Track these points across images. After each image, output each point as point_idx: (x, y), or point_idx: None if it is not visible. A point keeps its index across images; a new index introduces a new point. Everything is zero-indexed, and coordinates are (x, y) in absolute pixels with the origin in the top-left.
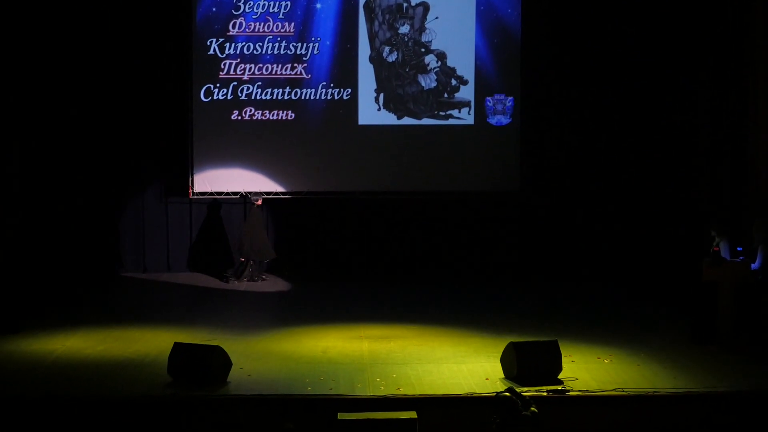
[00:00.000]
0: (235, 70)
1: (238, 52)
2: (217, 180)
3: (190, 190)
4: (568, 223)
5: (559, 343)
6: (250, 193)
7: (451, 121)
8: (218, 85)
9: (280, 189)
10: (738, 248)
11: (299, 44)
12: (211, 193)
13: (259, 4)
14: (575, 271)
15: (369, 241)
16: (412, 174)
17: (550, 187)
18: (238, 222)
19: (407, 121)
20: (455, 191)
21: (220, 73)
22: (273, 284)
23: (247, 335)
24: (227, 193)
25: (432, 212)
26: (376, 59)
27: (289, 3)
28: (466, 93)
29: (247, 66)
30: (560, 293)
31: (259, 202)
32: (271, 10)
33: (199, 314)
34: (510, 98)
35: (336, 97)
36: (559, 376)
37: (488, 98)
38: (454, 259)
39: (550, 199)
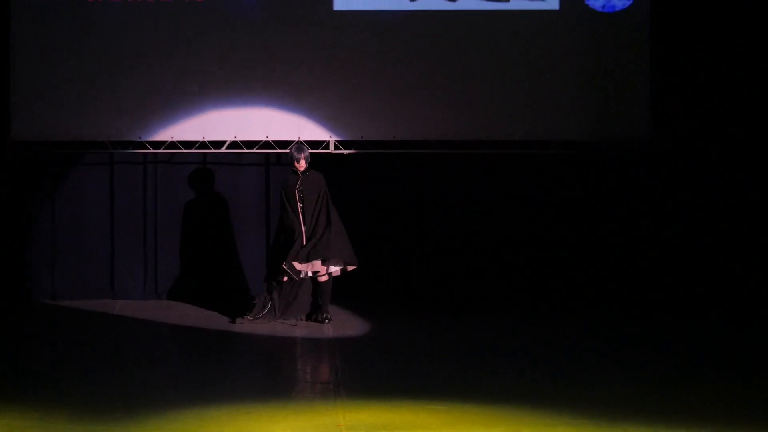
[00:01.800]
0: None
1: None
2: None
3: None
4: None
5: None
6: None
7: (515, 5)
8: None
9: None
10: None
11: None
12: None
13: None
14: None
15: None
16: (430, 113)
17: (703, 132)
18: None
19: (427, 2)
20: (513, 141)
21: None
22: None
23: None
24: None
25: (469, 176)
26: None
27: None
28: None
29: None
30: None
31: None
32: None
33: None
34: None
35: None
36: None
37: None
38: (523, 269)
39: (705, 155)
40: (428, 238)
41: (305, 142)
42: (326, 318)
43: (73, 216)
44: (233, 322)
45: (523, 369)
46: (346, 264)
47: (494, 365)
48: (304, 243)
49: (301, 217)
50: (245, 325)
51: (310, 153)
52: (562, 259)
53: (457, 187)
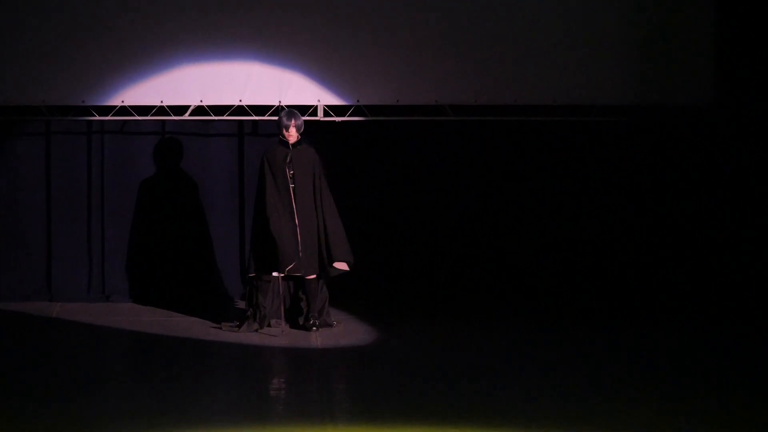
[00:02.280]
0: None
1: None
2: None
3: None
4: None
5: None
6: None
7: None
8: None
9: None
10: None
11: None
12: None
13: None
14: None
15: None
16: (443, 73)
17: None
18: None
19: None
20: (546, 106)
21: None
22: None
23: None
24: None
25: (490, 149)
26: None
27: None
28: None
29: None
30: None
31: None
32: None
33: None
34: None
35: None
36: None
37: None
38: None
39: None
40: (436, 227)
41: (288, 106)
42: (314, 324)
43: (1, 199)
44: (218, 327)
45: (533, 386)
46: (347, 264)
47: (504, 382)
48: (300, 241)
49: (293, 201)
50: (219, 333)
51: (304, 121)
52: (605, 252)
53: (474, 163)
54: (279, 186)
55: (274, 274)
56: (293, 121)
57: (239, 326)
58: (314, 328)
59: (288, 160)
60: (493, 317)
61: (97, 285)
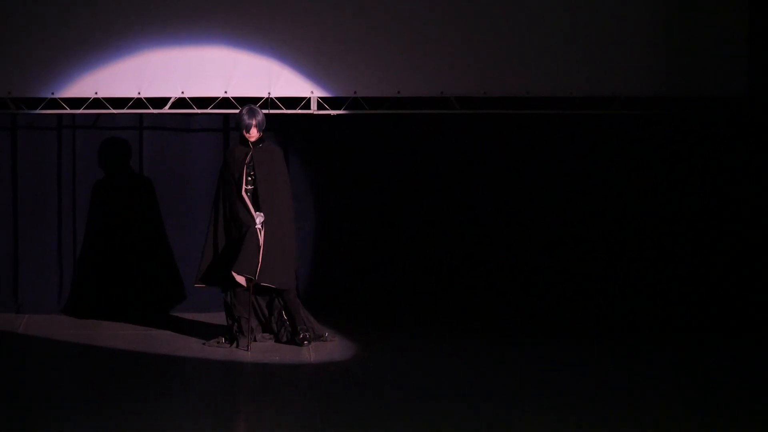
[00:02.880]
0: None
1: None
2: None
3: None
4: None
5: None
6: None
7: None
8: None
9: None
10: None
11: None
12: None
13: None
14: None
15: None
16: (448, 61)
17: None
18: None
19: None
20: (562, 98)
21: None
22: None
23: None
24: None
25: (501, 146)
26: None
27: None
28: None
29: None
30: None
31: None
32: None
33: None
34: None
35: None
36: None
37: None
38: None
39: None
40: (442, 227)
41: (278, 99)
42: (305, 338)
43: None
44: (204, 344)
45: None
46: (279, 286)
47: (509, 404)
48: (262, 247)
49: (249, 205)
50: (204, 350)
51: (265, 116)
52: (625, 254)
53: (482, 160)
54: (237, 189)
55: (239, 280)
56: (254, 120)
57: (228, 343)
58: (306, 342)
59: (248, 161)
60: (503, 325)
61: (68, 295)
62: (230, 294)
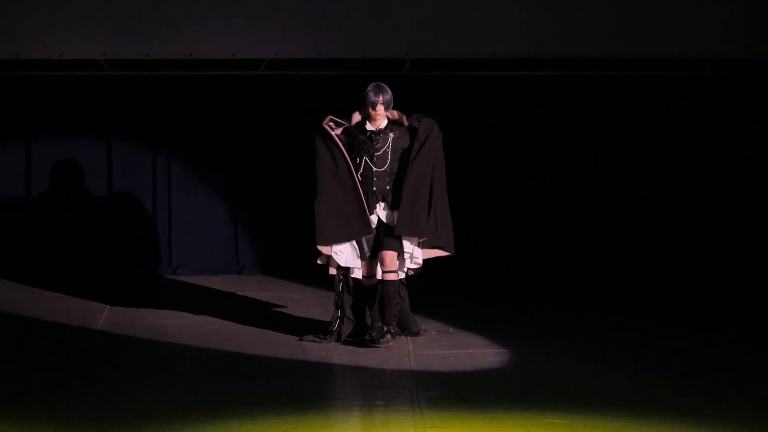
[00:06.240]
0: None
1: None
2: None
3: None
4: None
5: None
6: None
7: None
8: None
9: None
10: None
11: None
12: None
13: None
14: None
15: None
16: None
17: None
18: None
19: None
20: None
21: None
22: None
23: None
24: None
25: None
26: None
27: None
28: None
29: None
30: None
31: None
32: None
33: None
34: None
35: None
36: None
37: None
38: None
39: None
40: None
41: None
42: (388, 332)
43: None
44: (301, 339)
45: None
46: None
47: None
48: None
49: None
50: (306, 345)
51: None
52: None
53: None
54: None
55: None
56: (381, 97)
57: (323, 336)
58: (383, 342)
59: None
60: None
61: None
62: (340, 278)
